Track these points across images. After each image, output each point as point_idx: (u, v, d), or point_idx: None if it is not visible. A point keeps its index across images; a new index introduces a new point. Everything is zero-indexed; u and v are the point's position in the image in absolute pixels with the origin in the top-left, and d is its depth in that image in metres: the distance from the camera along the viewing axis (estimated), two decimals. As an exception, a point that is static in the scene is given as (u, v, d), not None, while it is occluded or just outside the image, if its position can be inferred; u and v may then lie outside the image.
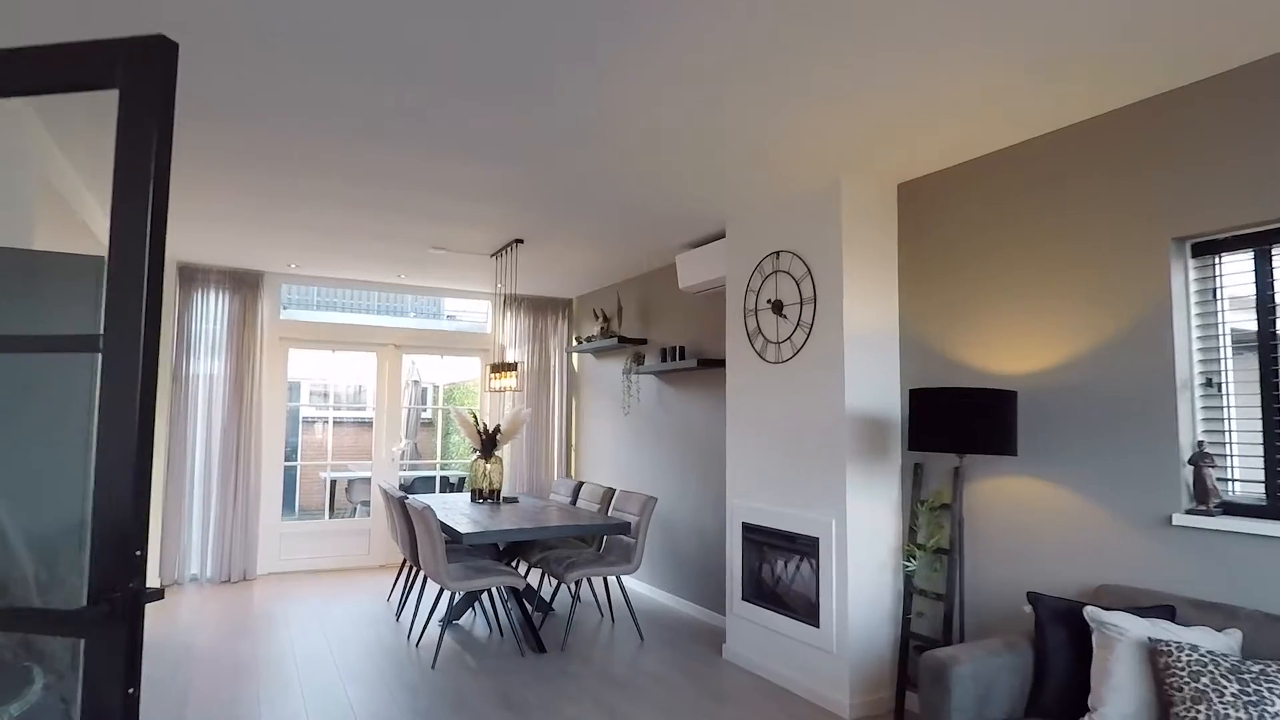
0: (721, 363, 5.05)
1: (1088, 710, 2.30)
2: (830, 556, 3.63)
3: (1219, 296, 2.68)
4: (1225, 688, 2.04)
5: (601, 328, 6.60)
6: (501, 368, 5.28)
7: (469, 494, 5.84)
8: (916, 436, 3.09)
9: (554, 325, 7.60)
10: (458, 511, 4.95)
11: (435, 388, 12.41)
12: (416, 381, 10.79)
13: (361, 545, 6.90)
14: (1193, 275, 2.73)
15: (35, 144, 3.35)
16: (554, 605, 5.12)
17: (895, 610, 3.66)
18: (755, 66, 2.60)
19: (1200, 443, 2.62)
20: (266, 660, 4.25)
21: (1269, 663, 2.09)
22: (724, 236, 4.86)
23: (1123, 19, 2.28)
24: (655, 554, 5.89)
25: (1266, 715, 1.96)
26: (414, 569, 5.55)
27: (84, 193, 4.21)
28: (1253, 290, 2.59)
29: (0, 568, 1.67)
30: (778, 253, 4.09)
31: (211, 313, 6.28)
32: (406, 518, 4.72)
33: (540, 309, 7.53)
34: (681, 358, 5.41)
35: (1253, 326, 2.59)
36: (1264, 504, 2.49)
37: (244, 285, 6.37)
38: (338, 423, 12.70)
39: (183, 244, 5.53)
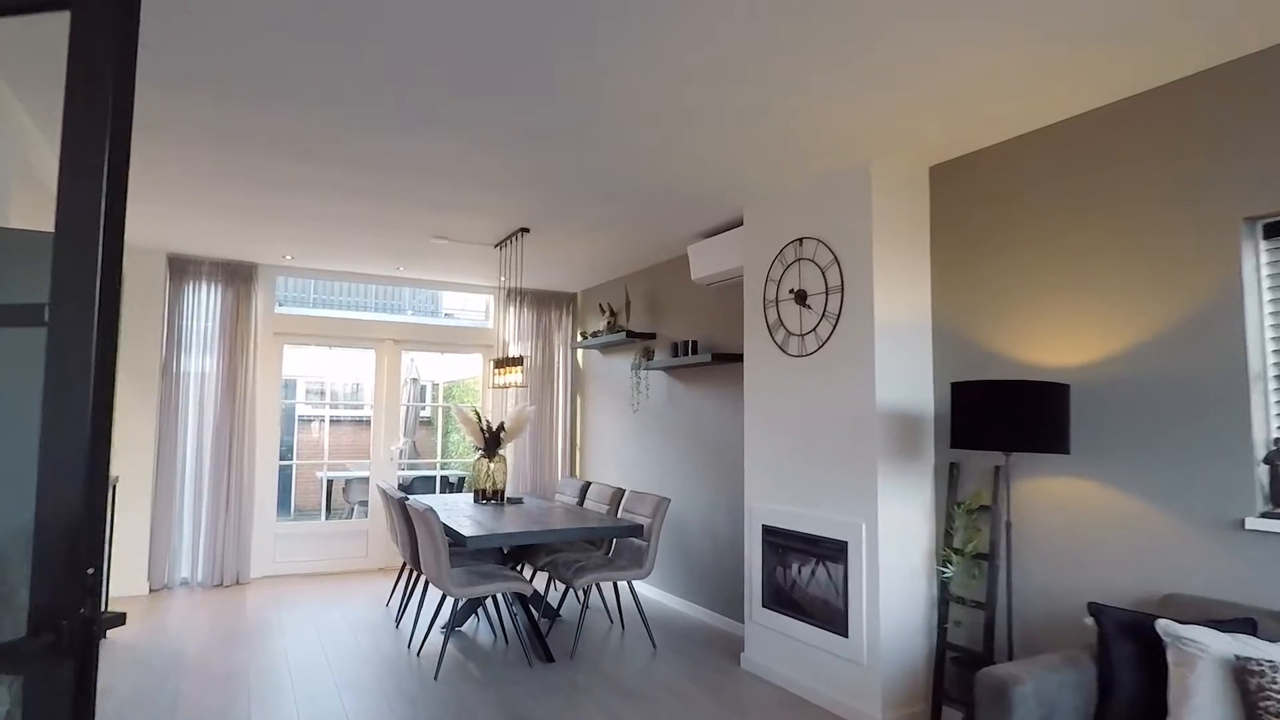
0: (737, 357, 4.83)
1: (1165, 735, 2.09)
2: (860, 561, 3.41)
3: (1295, 281, 2.47)
4: (1330, 713, 1.82)
5: (608, 322, 6.37)
6: (506, 362, 5.05)
7: (471, 494, 5.61)
8: (960, 433, 2.87)
9: (558, 320, 7.37)
10: (460, 513, 4.72)
11: (434, 385, 12.18)
12: (415, 379, 10.56)
13: (359, 547, 6.66)
14: (1265, 258, 2.51)
15: (12, 124, 3.12)
16: (561, 611, 4.91)
17: (929, 619, 3.44)
18: (784, 40, 2.38)
19: (1277, 440, 2.41)
20: (259, 669, 4.01)
21: (1376, 685, 1.87)
22: (739, 225, 4.64)
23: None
24: (666, 557, 5.67)
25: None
26: (414, 573, 5.32)
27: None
28: (1335, 273, 2.38)
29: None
30: (801, 239, 3.87)
31: (203, 306, 6.04)
32: (407, 520, 4.49)
33: (544, 303, 7.30)
34: (694, 352, 5.19)
35: (1335, 313, 2.37)
36: (1351, 507, 2.27)
37: (237, 278, 6.13)
38: (335, 421, 12.48)
39: (172, 233, 5.29)
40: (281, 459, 11.55)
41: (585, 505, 5.41)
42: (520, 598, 4.41)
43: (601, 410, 6.82)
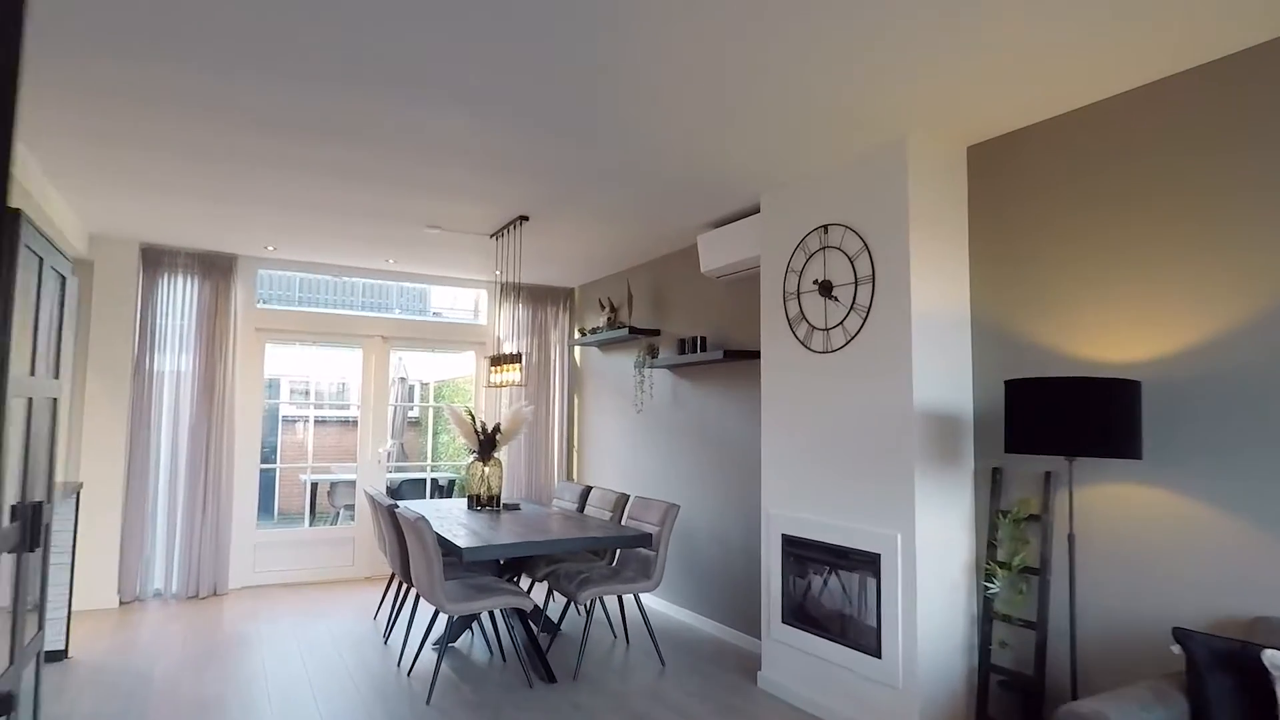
0: (751, 354, 4.53)
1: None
2: (895, 576, 3.12)
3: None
4: None
5: (608, 318, 6.07)
6: (503, 359, 4.74)
7: (463, 500, 5.29)
8: (1016, 436, 2.58)
9: (554, 317, 7.05)
10: (454, 521, 4.40)
11: (423, 385, 11.83)
12: (403, 379, 10.21)
13: (345, 555, 6.32)
14: (1365, 240, 2.25)
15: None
16: (562, 626, 4.60)
17: (969, 638, 3.16)
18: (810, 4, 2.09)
19: (1385, 444, 2.14)
20: (234, 691, 3.68)
21: None
22: (754, 213, 4.35)
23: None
24: (672, 567, 5.37)
25: None
26: (404, 584, 4.99)
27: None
28: None
29: None
30: (826, 226, 3.58)
31: (179, 300, 5.69)
32: (397, 529, 4.16)
33: (539, 299, 6.99)
34: (703, 349, 4.89)
35: None
36: None
37: (215, 270, 5.77)
38: (320, 422, 12.10)
39: (145, 222, 4.94)
40: (264, 462, 11.18)
41: (586, 512, 5.11)
42: (519, 612, 4.10)
43: (601, 411, 6.51)
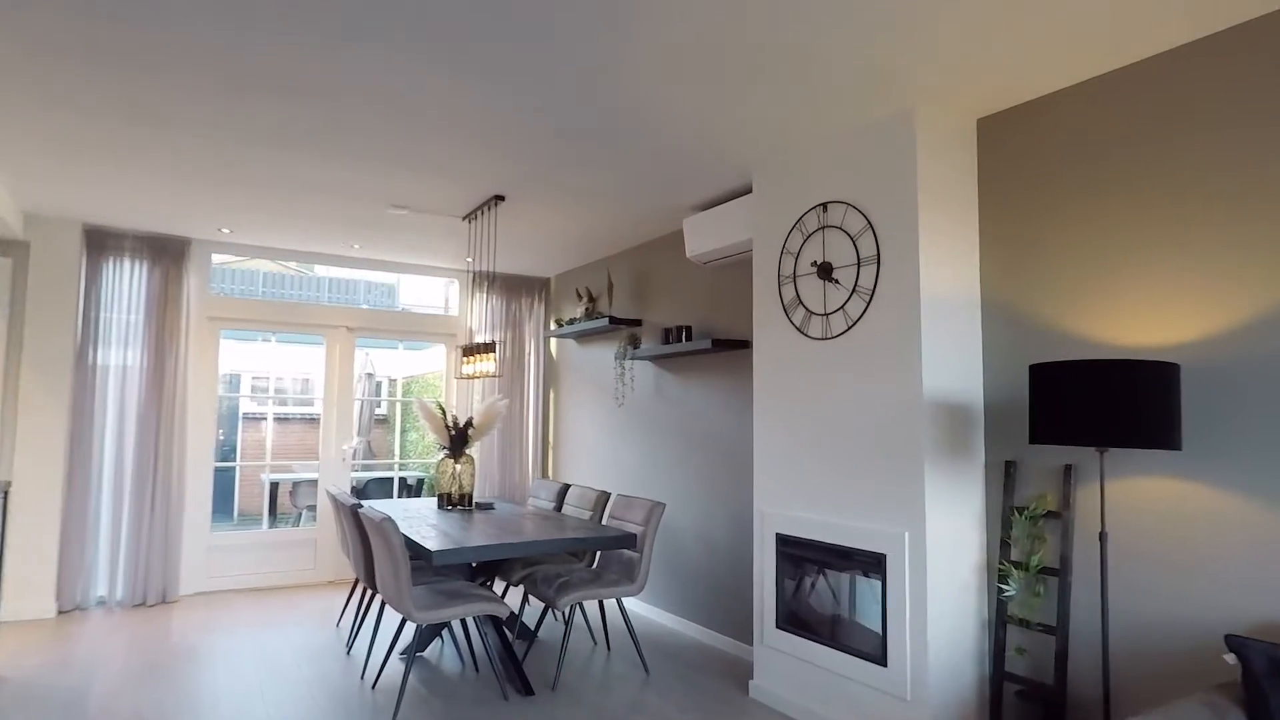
0: (742, 343, 4.29)
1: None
2: (903, 579, 2.90)
3: None
4: None
5: (586, 308, 5.79)
6: (476, 349, 4.44)
7: (433, 499, 4.99)
8: (1042, 426, 2.37)
9: (529, 308, 6.76)
10: (423, 521, 4.10)
11: (391, 381, 11.44)
12: (371, 375, 9.82)
13: (306, 558, 5.96)
14: None
15: None
16: (539, 632, 4.31)
17: (980, 643, 2.95)
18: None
19: None
20: (179, 709, 3.34)
21: None
22: (744, 194, 4.11)
23: None
24: (656, 569, 5.11)
25: None
26: (369, 590, 4.67)
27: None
28: None
29: None
30: (825, 204, 3.35)
31: (126, 286, 5.30)
32: (360, 531, 3.85)
33: (514, 289, 6.68)
34: (688, 338, 4.64)
35: None
36: None
37: (166, 254, 5.39)
38: (283, 419, 11.66)
39: (87, 200, 4.56)
40: (224, 460, 10.73)
41: (564, 511, 4.83)
42: (493, 619, 3.81)
43: (578, 405, 6.23)
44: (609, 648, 4.36)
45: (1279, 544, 2.17)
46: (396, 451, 9.39)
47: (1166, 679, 2.40)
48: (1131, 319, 2.55)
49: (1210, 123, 2.39)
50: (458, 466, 4.67)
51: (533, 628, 4.49)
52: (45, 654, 4.12)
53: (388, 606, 5.09)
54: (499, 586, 5.77)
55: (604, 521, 4.44)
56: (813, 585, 3.34)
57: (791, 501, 3.45)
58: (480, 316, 6.54)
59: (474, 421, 4.72)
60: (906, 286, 2.96)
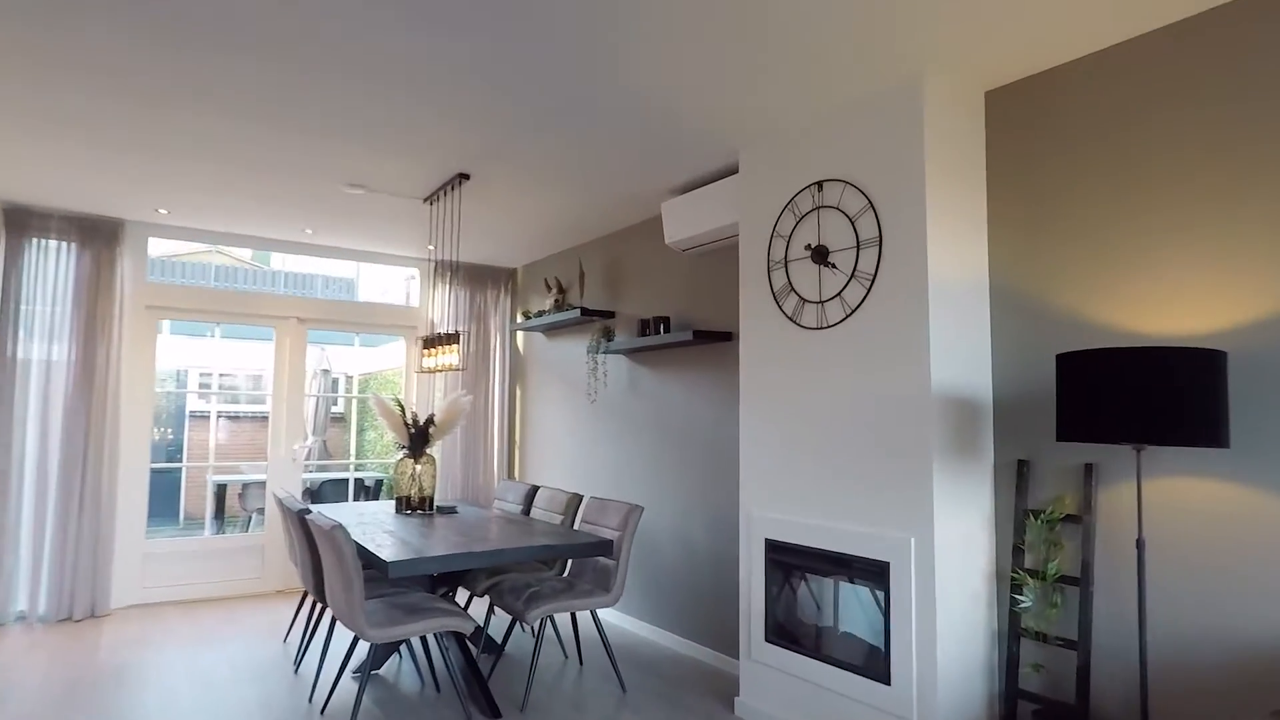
0: (724, 335, 4.03)
1: None
2: (909, 589, 2.65)
3: None
4: None
5: (556, 300, 5.48)
6: (439, 340, 4.11)
7: (391, 503, 4.64)
8: (1070, 422, 2.14)
9: (494, 300, 6.42)
10: (379, 527, 3.76)
11: (348, 378, 10.97)
12: (326, 371, 9.36)
13: (252, 566, 5.55)
14: None
15: None
16: (507, 646, 3.99)
17: (990, 658, 2.72)
18: None
19: None
20: (99, 746, 2.97)
21: None
22: (728, 176, 3.85)
23: None
24: (632, 578, 4.82)
25: None
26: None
27: None
28: None
29: None
30: (820, 183, 3.09)
31: (52, 272, 4.84)
32: (309, 539, 3.50)
33: (478, 280, 6.34)
34: (666, 330, 4.36)
35: None
36: None
37: (97, 237, 4.94)
38: (234, 417, 11.13)
39: (4, 176, 4.11)
40: (170, 460, 10.16)
41: (533, 515, 4.51)
42: (456, 634, 3.49)
43: (547, 402, 5.92)
44: (582, 662, 4.06)
45: (1334, 551, 1.97)
46: (353, 451, 8.98)
47: (1205, 698, 2.18)
48: (1166, 304, 2.33)
49: (1259, 87, 2.18)
50: (418, 467, 4.33)
51: (499, 641, 4.17)
52: (-50, 678, 3.68)
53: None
54: (463, 597, 5.43)
55: (576, 526, 4.14)
56: (807, 595, 3.08)
57: (782, 504, 3.19)
58: (442, 308, 6.19)
59: (435, 419, 4.39)
60: (912, 271, 2.72)
